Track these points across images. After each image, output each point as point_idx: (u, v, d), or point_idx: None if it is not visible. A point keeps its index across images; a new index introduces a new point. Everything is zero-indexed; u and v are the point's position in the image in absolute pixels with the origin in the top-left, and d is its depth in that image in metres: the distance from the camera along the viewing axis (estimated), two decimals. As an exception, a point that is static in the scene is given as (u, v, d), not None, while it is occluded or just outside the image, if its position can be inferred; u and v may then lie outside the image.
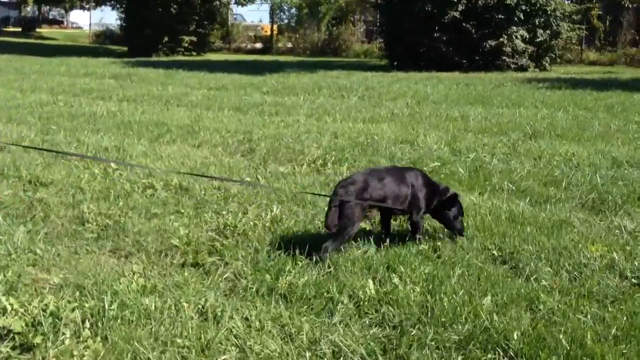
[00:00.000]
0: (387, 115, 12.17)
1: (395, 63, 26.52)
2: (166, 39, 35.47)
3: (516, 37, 24.84)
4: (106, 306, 3.72)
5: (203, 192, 6.31)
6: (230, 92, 16.30)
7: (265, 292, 4.06)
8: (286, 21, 43.53)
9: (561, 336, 3.40)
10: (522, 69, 25.22)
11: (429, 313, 3.76)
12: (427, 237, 5.08)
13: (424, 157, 8.03)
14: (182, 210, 5.69)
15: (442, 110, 12.85)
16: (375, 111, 12.65)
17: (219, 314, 3.73)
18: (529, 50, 25.42)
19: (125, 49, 38.08)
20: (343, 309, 3.84)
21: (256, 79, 20.03)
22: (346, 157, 8.07)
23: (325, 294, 4.02)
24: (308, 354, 3.34)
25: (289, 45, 41.64)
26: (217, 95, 15.36)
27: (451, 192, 5.08)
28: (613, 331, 3.45)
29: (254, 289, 4.09)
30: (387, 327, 3.68)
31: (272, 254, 4.64)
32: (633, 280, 4.25)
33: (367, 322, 3.74)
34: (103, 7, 44.43)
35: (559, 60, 28.04)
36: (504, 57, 25.04)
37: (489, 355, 3.33)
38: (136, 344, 3.36)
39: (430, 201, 5.00)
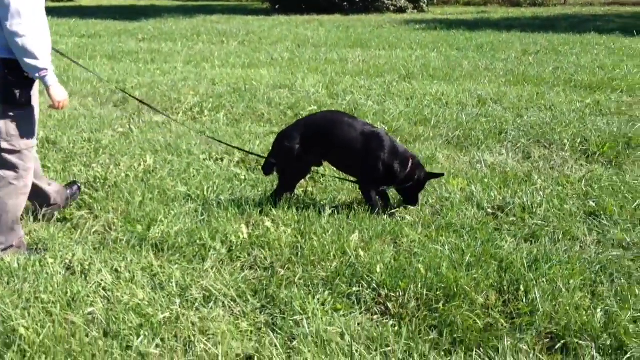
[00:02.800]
0: (266, 60, 12.10)
1: (277, 6, 26.22)
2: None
3: (394, -21, 25.15)
4: (-36, 268, 3.59)
5: (72, 145, 6.09)
6: (104, 40, 15.59)
7: (136, 243, 4.03)
8: (163, -37, 41.62)
9: (420, 266, 3.60)
10: (401, 10, 25.66)
11: (299, 253, 3.88)
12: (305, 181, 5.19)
13: (302, 101, 8.10)
14: (49, 165, 5.48)
15: (322, 53, 12.92)
16: (255, 56, 12.54)
17: (87, 267, 3.67)
18: (407, -8, 25.85)
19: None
20: (215, 255, 3.89)
21: (132, 25, 19.24)
22: (223, 104, 8.00)
23: (197, 241, 4.04)
24: (178, 301, 3.36)
25: (168, -12, 40.00)
26: (89, 43, 14.66)
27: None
28: (467, 258, 3.69)
29: (124, 241, 4.05)
30: (258, 270, 3.77)
31: (144, 205, 4.59)
32: (488, 210, 4.55)
33: (239, 265, 3.81)
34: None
35: (435, 1, 28.70)
36: (383, -1, 25.35)
37: (354, 289, 3.49)
38: (-3, 302, 3.26)
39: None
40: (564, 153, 5.85)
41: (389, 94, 8.67)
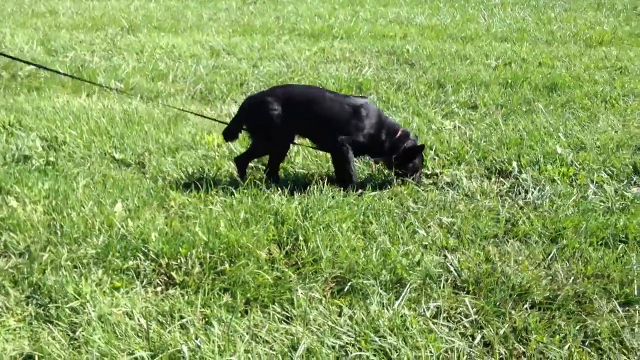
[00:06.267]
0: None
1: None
2: None
3: None
4: None
5: None
6: None
7: None
8: None
9: (197, 229, 3.44)
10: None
11: (59, 232, 3.46)
12: (40, 149, 4.63)
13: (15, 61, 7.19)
14: None
15: (26, 5, 11.62)
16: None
17: None
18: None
19: None
20: (-49, 248, 3.29)
21: None
22: None
23: None
24: None
25: None
26: None
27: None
28: (242, 215, 3.62)
29: None
30: (12, 257, 3.28)
31: None
32: (250, 164, 4.52)
33: (-13, 255, 3.28)
34: None
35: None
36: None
37: (130, 262, 3.22)
38: None
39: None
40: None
41: (115, 48, 8.14)
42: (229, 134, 4.35)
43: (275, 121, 4.08)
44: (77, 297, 2.93)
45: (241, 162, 4.30)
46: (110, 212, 3.64)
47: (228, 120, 5.36)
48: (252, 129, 4.27)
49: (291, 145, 4.33)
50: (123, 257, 3.26)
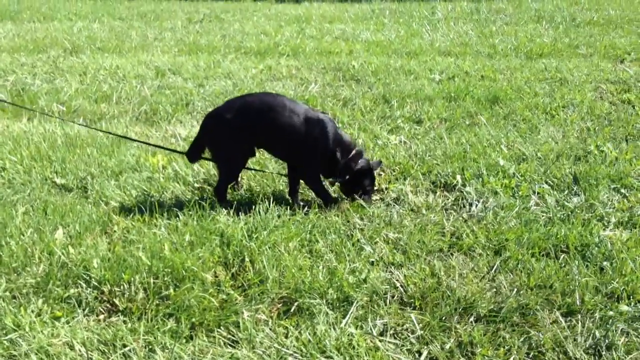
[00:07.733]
0: None
1: None
2: None
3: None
4: None
5: None
6: None
7: None
8: None
9: (140, 253, 3.38)
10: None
11: (-2, 262, 3.36)
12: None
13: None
14: None
15: (-36, 28, 11.34)
16: None
17: None
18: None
19: None
20: None
21: None
22: None
23: None
24: None
25: None
26: None
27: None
28: (187, 237, 3.57)
29: None
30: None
31: None
32: (195, 185, 4.48)
33: None
34: None
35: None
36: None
37: (72, 291, 3.14)
38: None
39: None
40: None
41: (57, 70, 7.99)
42: (192, 155, 4.25)
43: (232, 136, 4.00)
44: (15, 328, 2.84)
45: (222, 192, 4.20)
46: (50, 239, 3.55)
47: (173, 141, 5.33)
48: (211, 147, 4.14)
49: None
50: (64, 286, 3.18)
